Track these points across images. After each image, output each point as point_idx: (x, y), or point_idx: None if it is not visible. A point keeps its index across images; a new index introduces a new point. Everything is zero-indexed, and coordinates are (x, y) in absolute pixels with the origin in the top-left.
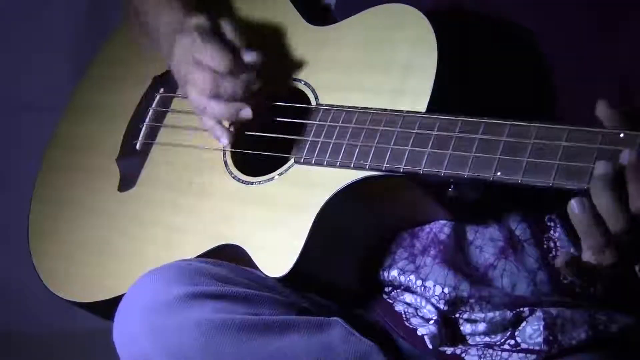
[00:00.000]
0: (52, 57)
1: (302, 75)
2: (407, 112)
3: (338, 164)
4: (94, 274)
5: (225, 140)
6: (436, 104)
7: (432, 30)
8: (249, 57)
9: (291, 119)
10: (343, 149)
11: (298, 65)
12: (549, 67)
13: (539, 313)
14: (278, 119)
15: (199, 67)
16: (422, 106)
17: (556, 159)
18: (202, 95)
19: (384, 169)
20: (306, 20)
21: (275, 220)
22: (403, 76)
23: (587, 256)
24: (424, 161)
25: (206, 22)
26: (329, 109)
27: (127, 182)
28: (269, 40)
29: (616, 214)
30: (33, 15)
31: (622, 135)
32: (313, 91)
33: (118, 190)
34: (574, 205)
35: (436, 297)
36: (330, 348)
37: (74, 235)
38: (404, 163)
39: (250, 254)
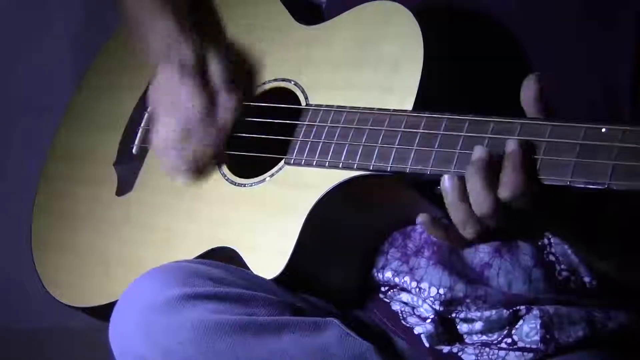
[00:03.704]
0: (52, 57)
1: (291, 75)
2: (394, 110)
3: (327, 164)
4: (95, 280)
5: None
6: (424, 101)
7: (419, 28)
8: (225, 100)
9: (281, 119)
10: (331, 149)
11: (288, 65)
12: (536, 64)
13: (535, 311)
14: (268, 120)
15: (172, 108)
16: (409, 103)
17: (539, 155)
18: (164, 143)
19: (371, 168)
20: (296, 19)
21: (267, 222)
22: (391, 73)
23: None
24: (410, 160)
25: (190, 58)
26: (317, 109)
27: (124, 186)
28: (259, 41)
29: (481, 199)
30: (33, 15)
31: (604, 130)
32: (303, 91)
33: (116, 194)
34: (444, 181)
35: (431, 299)
36: (325, 349)
37: (75, 242)
38: (390, 162)
39: (242, 256)
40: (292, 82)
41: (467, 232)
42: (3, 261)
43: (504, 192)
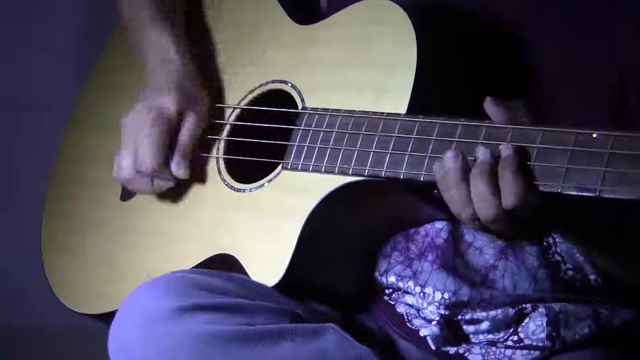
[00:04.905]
0: (52, 57)
1: (288, 76)
2: (388, 114)
3: (323, 169)
4: (100, 286)
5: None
6: (418, 101)
7: (412, 26)
8: (175, 170)
9: (279, 122)
10: (327, 154)
11: (284, 66)
12: (533, 64)
13: (541, 309)
14: (265, 125)
15: (132, 148)
16: (403, 104)
17: (531, 161)
18: (120, 172)
19: (366, 173)
20: (292, 18)
21: (266, 228)
22: (385, 74)
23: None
24: (404, 165)
25: (172, 111)
26: (313, 113)
27: (128, 191)
28: (256, 41)
29: (485, 204)
30: (33, 15)
31: (594, 135)
32: (299, 93)
33: (120, 200)
34: (447, 159)
35: (436, 303)
36: (324, 355)
37: (81, 247)
38: (385, 167)
39: (242, 263)
40: (289, 84)
41: (466, 213)
42: (3, 261)
43: (508, 199)
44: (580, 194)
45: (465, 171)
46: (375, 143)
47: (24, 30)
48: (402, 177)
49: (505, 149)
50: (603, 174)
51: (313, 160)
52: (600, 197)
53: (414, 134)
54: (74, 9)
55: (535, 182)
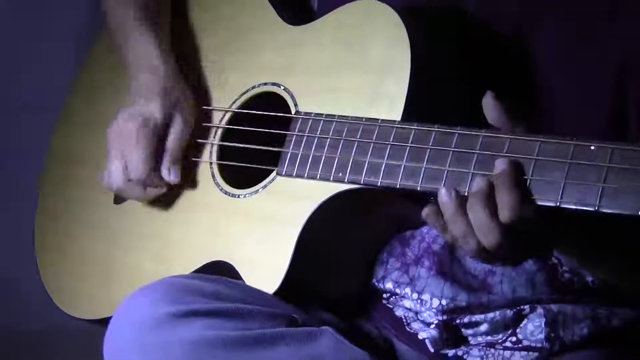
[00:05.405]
0: (52, 57)
1: (280, 79)
2: (382, 121)
3: (318, 177)
4: (95, 290)
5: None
6: (414, 104)
7: (405, 29)
8: (166, 175)
9: (272, 125)
10: (322, 162)
11: (276, 67)
12: (533, 64)
13: (540, 310)
14: (259, 130)
15: (121, 157)
16: (399, 107)
17: (528, 175)
18: (111, 181)
19: (362, 182)
20: (283, 18)
21: (261, 235)
22: (379, 77)
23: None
24: (400, 175)
25: (158, 117)
26: (306, 118)
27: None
28: (247, 43)
29: (486, 229)
30: (33, 15)
31: (592, 147)
32: (292, 97)
33: (114, 202)
34: (441, 196)
35: (434, 310)
36: (320, 358)
37: (75, 250)
38: (380, 177)
39: (238, 270)
40: (282, 87)
41: (470, 246)
42: (3, 261)
43: (504, 213)
44: (578, 207)
45: (461, 203)
46: (370, 151)
47: (24, 30)
48: (398, 186)
49: (501, 164)
50: (601, 188)
51: (308, 168)
52: (599, 212)
53: (410, 142)
54: (74, 9)
55: (532, 197)
